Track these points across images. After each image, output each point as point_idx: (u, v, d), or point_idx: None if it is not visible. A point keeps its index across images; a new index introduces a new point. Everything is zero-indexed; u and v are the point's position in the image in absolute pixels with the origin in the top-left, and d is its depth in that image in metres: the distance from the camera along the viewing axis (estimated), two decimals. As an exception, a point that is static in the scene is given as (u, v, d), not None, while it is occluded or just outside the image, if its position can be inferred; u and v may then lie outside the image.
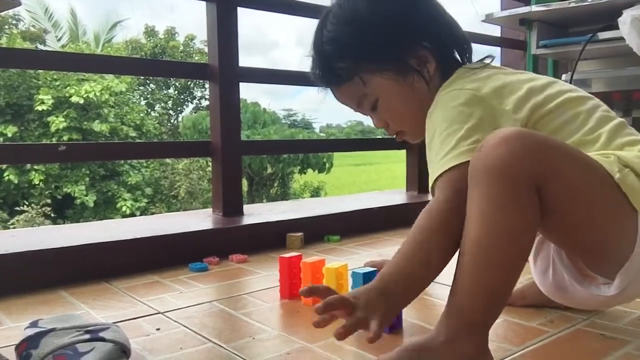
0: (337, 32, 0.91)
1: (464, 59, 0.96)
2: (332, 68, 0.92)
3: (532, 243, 0.75)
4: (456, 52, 0.96)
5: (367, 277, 1.00)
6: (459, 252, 0.75)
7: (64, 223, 10.07)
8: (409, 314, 1.00)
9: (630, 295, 0.84)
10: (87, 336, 0.80)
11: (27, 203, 10.53)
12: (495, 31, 2.88)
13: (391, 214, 2.06)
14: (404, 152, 2.46)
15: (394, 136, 1.00)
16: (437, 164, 0.81)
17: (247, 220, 1.73)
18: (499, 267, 0.72)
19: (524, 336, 0.92)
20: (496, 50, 2.88)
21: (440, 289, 1.23)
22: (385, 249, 1.66)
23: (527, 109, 0.84)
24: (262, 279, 1.34)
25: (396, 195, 2.38)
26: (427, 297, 1.15)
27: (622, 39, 1.90)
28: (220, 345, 0.91)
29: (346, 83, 0.93)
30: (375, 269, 1.02)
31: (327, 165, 13.05)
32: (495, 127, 0.80)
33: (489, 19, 2.35)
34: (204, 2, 1.76)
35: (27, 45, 12.30)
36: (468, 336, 0.72)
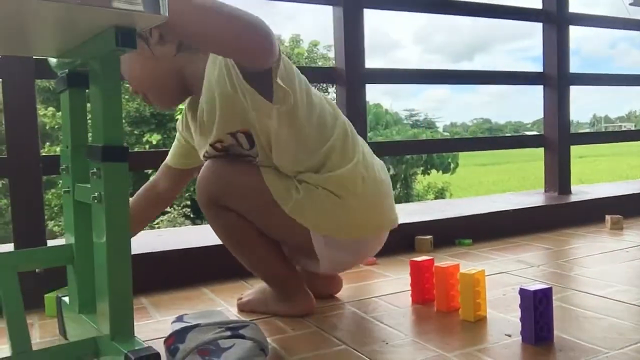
0: None
1: None
2: None
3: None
4: None
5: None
6: None
7: (201, 224, 10.80)
8: (557, 327, 0.92)
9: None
10: (229, 333, 0.83)
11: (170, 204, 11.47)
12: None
13: (527, 217, 1.93)
14: (540, 150, 2.30)
15: None
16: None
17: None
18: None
19: None
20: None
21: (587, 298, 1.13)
22: (523, 255, 1.55)
23: None
24: (392, 282, 1.31)
25: (533, 197, 2.23)
26: (576, 308, 1.05)
27: None
28: (353, 349, 0.90)
29: None
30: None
31: (452, 165, 12.68)
32: None
33: (637, 2, 2.14)
34: (330, 7, 1.78)
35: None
36: None
